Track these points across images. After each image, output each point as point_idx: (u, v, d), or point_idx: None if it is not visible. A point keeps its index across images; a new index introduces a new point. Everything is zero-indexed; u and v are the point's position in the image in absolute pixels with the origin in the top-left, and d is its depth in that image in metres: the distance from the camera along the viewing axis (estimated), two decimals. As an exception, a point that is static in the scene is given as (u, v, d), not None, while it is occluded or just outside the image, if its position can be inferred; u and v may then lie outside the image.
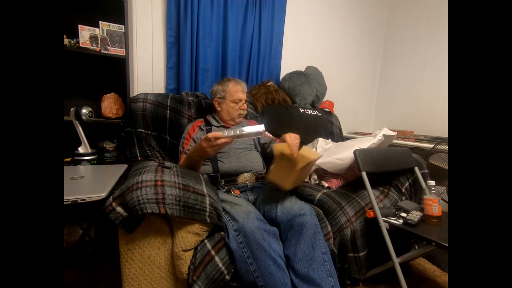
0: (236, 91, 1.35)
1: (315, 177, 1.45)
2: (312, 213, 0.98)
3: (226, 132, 0.96)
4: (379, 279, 1.23)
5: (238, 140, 1.32)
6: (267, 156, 1.51)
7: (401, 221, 1.10)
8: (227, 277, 0.86)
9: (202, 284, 0.83)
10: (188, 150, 1.25)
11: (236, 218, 0.91)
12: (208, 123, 1.36)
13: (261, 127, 0.97)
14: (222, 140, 0.95)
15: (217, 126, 1.35)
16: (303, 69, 2.04)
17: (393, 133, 1.47)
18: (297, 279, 0.85)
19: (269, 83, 1.83)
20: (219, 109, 1.38)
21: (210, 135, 0.95)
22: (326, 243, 0.97)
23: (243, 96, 1.36)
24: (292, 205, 1.00)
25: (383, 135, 1.43)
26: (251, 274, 0.83)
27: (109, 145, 1.51)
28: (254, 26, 1.84)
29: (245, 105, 1.37)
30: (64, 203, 0.75)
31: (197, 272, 0.84)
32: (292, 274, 0.87)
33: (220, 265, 0.86)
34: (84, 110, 1.27)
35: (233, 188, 1.16)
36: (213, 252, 0.88)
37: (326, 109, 2.02)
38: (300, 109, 1.83)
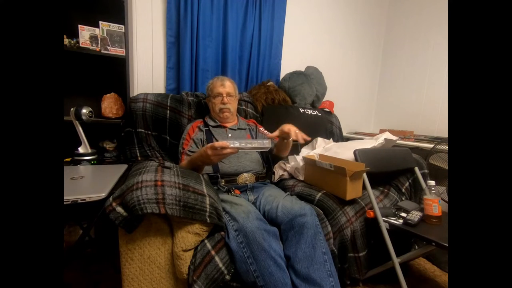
0: (215, 86, 1.35)
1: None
2: (312, 213, 0.98)
3: (232, 143, 0.96)
4: (379, 279, 1.23)
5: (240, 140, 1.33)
6: (268, 156, 1.51)
7: (401, 221, 1.11)
8: (227, 277, 0.86)
9: (202, 284, 0.83)
10: (188, 151, 1.25)
11: (236, 218, 0.91)
12: (206, 124, 1.36)
13: (267, 143, 0.98)
14: (228, 150, 0.95)
15: (213, 126, 1.35)
16: (303, 69, 2.04)
17: (394, 138, 1.48)
18: (297, 279, 0.85)
19: (269, 83, 1.83)
20: (209, 108, 1.42)
21: (217, 144, 0.94)
22: (327, 243, 0.97)
23: (222, 90, 1.34)
24: (293, 206, 1.00)
25: (385, 138, 1.44)
26: (251, 274, 0.83)
27: (109, 145, 1.51)
28: (254, 26, 1.84)
29: (225, 99, 1.33)
30: (64, 203, 0.75)
31: (197, 272, 0.84)
32: (292, 274, 0.87)
33: (220, 265, 0.86)
34: (84, 110, 1.27)
35: (233, 188, 1.16)
36: (213, 252, 0.88)
37: (326, 109, 2.02)
38: (300, 109, 1.83)
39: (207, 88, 1.42)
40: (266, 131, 1.51)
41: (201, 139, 1.30)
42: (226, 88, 1.35)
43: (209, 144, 0.97)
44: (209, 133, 1.33)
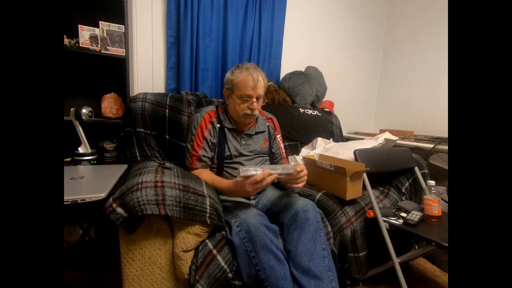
0: (244, 85, 1.06)
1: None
2: (315, 210, 0.99)
3: (255, 170, 0.88)
4: (379, 279, 1.23)
5: (252, 152, 1.19)
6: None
7: (401, 221, 1.11)
8: (230, 275, 0.87)
9: (205, 283, 0.83)
10: (203, 156, 1.11)
11: (239, 214, 0.92)
12: (219, 120, 1.16)
13: (291, 169, 0.93)
14: (268, 180, 0.87)
15: (229, 129, 1.16)
16: (303, 69, 2.04)
17: (394, 138, 1.48)
18: (297, 272, 0.86)
19: (269, 83, 1.83)
20: (227, 102, 1.17)
21: (258, 177, 0.86)
22: (326, 240, 0.98)
23: (253, 93, 1.06)
24: (296, 201, 1.00)
25: (385, 138, 1.44)
26: (254, 268, 0.84)
27: (109, 145, 1.50)
28: (254, 26, 1.84)
29: (255, 104, 1.08)
30: (64, 203, 0.75)
31: (199, 271, 0.84)
32: (292, 267, 0.87)
33: (222, 263, 0.87)
34: (84, 110, 1.26)
35: None
36: (214, 252, 0.88)
37: (326, 109, 2.02)
38: (300, 109, 1.83)
39: (230, 80, 1.12)
40: (282, 145, 1.33)
41: (213, 143, 1.14)
42: (258, 90, 1.07)
43: (248, 181, 0.88)
44: (222, 135, 1.14)
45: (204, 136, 1.12)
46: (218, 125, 1.15)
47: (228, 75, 1.15)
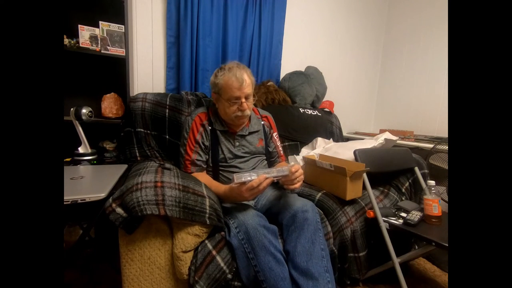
0: (230, 87, 1.03)
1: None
2: (314, 210, 0.99)
3: (249, 175, 0.87)
4: (379, 279, 1.23)
5: (248, 153, 1.18)
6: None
7: (401, 221, 1.11)
8: (229, 276, 0.86)
9: (204, 284, 0.83)
10: (197, 160, 1.09)
11: (237, 215, 0.92)
12: (210, 122, 1.14)
13: (286, 170, 0.91)
14: (264, 185, 0.88)
15: (221, 131, 1.14)
16: (303, 69, 2.03)
17: (394, 138, 1.48)
18: (296, 273, 0.86)
19: (269, 83, 1.83)
20: (217, 105, 1.14)
21: (254, 183, 0.86)
22: (326, 242, 0.98)
23: (240, 93, 1.03)
24: (295, 201, 1.00)
25: (385, 138, 1.44)
26: (252, 269, 0.84)
27: (109, 145, 1.51)
28: (254, 26, 1.84)
29: (245, 104, 1.05)
30: (64, 203, 0.75)
31: (198, 272, 0.84)
32: (291, 268, 0.87)
33: (222, 264, 0.86)
34: (84, 110, 1.27)
35: None
36: (214, 252, 0.88)
37: (326, 109, 2.02)
38: (300, 109, 1.83)
39: (215, 83, 1.09)
40: (279, 143, 1.31)
41: (206, 146, 1.12)
42: (245, 89, 1.04)
43: (244, 188, 0.88)
44: (215, 138, 1.13)
45: (196, 140, 1.09)
46: (210, 128, 1.12)
47: (212, 78, 1.11)
